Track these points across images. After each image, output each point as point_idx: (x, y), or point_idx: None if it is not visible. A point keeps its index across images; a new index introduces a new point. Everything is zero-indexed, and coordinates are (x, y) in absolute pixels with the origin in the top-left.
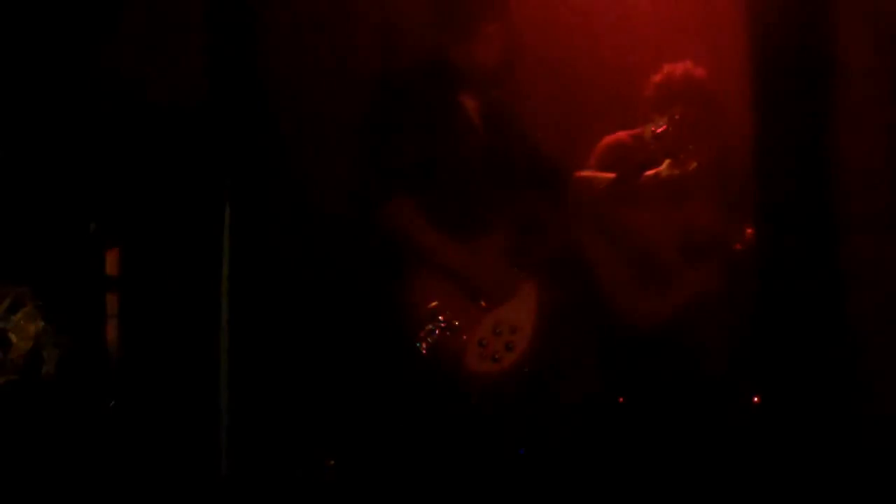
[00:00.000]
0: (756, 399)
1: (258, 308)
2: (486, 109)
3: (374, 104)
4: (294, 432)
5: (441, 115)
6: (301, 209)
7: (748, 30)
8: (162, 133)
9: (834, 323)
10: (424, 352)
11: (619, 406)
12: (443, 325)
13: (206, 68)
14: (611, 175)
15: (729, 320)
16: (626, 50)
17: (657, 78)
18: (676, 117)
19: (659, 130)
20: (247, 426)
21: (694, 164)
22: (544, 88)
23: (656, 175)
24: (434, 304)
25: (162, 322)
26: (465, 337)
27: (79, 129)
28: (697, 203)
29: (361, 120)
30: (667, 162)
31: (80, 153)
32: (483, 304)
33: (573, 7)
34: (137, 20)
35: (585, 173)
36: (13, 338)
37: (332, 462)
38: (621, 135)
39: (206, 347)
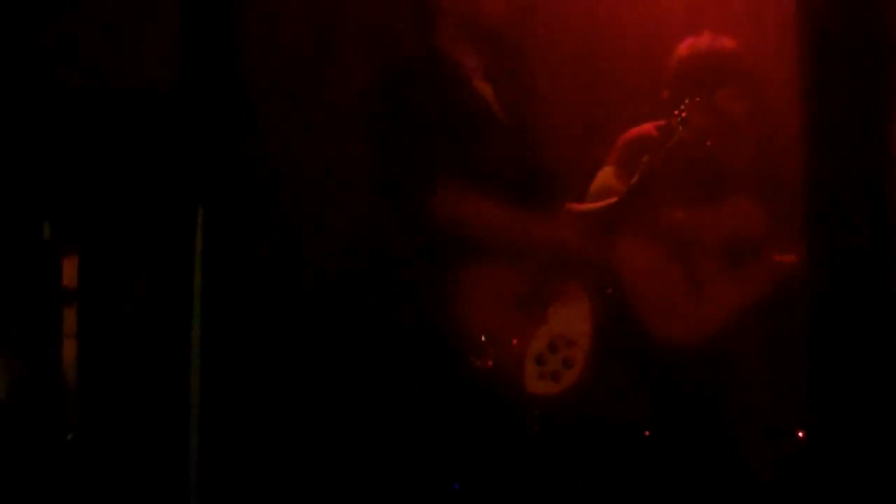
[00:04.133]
0: (801, 434)
1: (236, 326)
2: (505, 96)
3: (375, 91)
4: (281, 473)
5: (454, 101)
6: (287, 211)
7: (799, 8)
8: (127, 123)
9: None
10: (479, 372)
11: (647, 438)
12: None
13: (177, 51)
14: (600, 204)
15: (776, 340)
16: (657, 29)
17: (678, 54)
18: (697, 99)
19: (683, 115)
20: (220, 464)
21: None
22: (564, 74)
23: (676, 146)
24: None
25: (126, 342)
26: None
27: (30, 118)
28: (740, 200)
29: (359, 108)
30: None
31: (32, 146)
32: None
33: None
34: None
35: (576, 206)
36: None
37: None
38: (647, 127)
39: (176, 372)
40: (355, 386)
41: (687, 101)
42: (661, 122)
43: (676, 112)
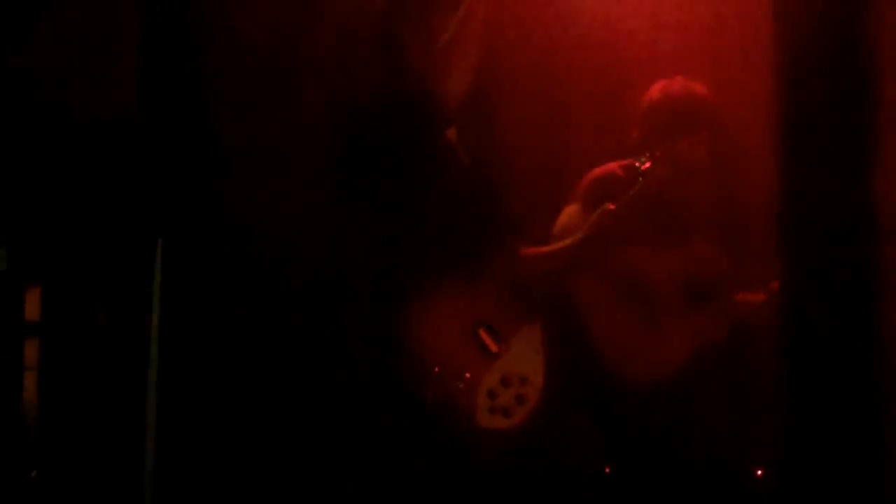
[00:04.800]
0: (758, 473)
1: (193, 361)
2: (469, 135)
3: (339, 125)
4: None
5: (418, 144)
6: (246, 244)
7: (776, 44)
8: (87, 154)
9: (862, 400)
10: (431, 403)
11: (608, 475)
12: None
13: (138, 81)
14: (557, 246)
15: (734, 380)
16: (621, 67)
17: (650, 97)
18: (658, 153)
19: (643, 167)
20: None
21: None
22: (527, 113)
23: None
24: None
25: (85, 375)
26: (473, 389)
27: None
28: (701, 243)
29: (322, 142)
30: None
31: None
32: (494, 349)
33: (559, 19)
34: (59, 20)
35: (532, 250)
36: None
37: None
38: (611, 166)
39: (133, 406)
40: (310, 416)
41: (648, 153)
42: (626, 162)
43: (638, 164)
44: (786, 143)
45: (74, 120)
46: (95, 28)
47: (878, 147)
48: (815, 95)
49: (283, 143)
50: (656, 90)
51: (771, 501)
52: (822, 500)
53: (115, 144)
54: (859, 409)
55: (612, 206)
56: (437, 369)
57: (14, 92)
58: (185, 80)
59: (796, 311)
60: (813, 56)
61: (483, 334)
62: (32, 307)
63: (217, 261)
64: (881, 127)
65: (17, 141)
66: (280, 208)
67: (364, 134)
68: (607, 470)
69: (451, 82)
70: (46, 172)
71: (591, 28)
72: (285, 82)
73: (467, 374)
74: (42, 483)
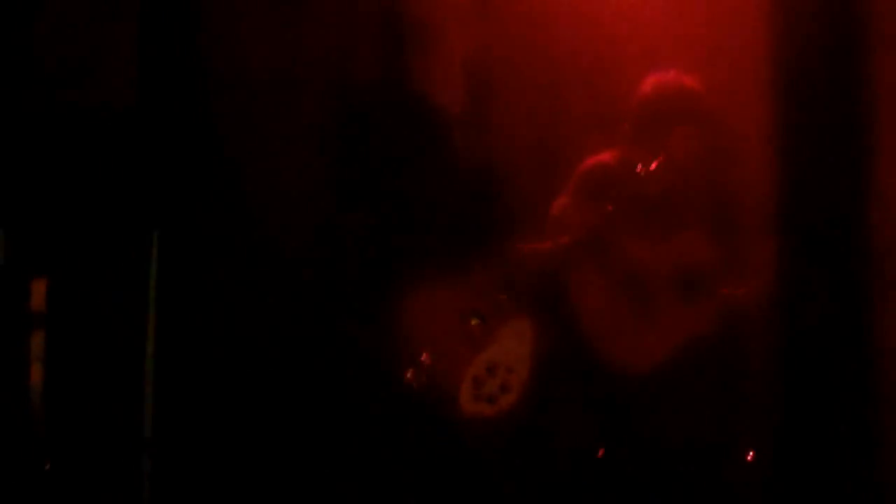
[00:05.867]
0: (748, 457)
1: (190, 352)
2: (464, 131)
3: (336, 122)
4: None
5: (413, 136)
6: (246, 235)
7: (770, 40)
8: (84, 142)
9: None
10: (414, 388)
11: (599, 460)
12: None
13: (137, 69)
14: (554, 245)
15: (725, 370)
16: (615, 61)
17: (642, 90)
18: (655, 153)
19: (644, 168)
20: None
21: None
22: (521, 103)
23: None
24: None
25: (88, 365)
26: (458, 374)
27: None
28: (693, 235)
29: (320, 140)
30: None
31: None
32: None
33: (552, 13)
34: (59, 9)
35: (527, 246)
36: None
37: None
38: (604, 158)
39: (131, 395)
40: (301, 401)
41: (649, 153)
42: (618, 154)
43: (639, 169)
44: (781, 137)
45: (72, 109)
46: (94, 16)
47: (874, 142)
48: (811, 90)
49: (279, 134)
50: (648, 83)
51: (760, 488)
52: (812, 488)
53: (112, 134)
54: (849, 403)
55: (610, 208)
56: (425, 356)
57: (14, 81)
58: (182, 69)
59: (789, 304)
60: (808, 52)
61: (473, 324)
62: (39, 298)
63: (212, 251)
64: (878, 123)
65: (15, 131)
66: (276, 198)
67: (360, 127)
68: (600, 454)
69: (445, 76)
70: (45, 162)
71: (585, 21)
72: (284, 72)
73: (454, 362)
74: (54, 474)
